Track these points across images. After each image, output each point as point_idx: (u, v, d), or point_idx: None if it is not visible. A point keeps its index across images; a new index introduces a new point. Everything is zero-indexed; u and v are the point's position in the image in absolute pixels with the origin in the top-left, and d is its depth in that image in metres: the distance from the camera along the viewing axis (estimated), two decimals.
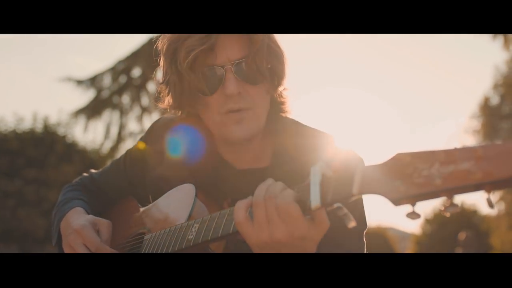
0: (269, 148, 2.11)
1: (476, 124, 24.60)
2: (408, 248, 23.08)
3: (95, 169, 2.61)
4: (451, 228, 24.42)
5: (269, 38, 1.96)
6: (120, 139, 25.14)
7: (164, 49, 1.98)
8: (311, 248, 1.58)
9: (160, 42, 2.03)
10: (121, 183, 2.39)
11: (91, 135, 25.97)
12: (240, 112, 1.94)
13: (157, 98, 2.14)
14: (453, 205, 1.31)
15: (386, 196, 1.36)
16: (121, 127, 25.24)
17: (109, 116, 25.05)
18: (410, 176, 1.34)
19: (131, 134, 25.37)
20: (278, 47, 1.99)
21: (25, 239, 15.04)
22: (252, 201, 1.59)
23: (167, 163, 2.18)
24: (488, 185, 1.26)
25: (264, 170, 2.06)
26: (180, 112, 2.10)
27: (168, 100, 2.09)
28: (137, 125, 25.56)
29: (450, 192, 1.30)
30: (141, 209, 2.25)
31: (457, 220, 25.19)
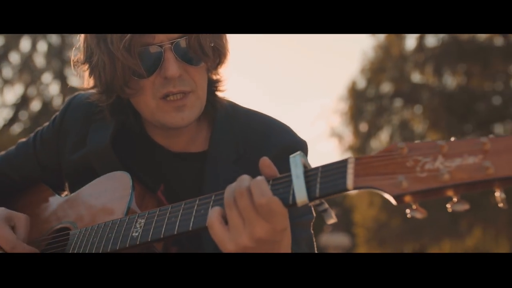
0: (205, 131, 1.95)
1: (344, 106, 25.66)
2: None
3: None
4: None
5: None
6: None
7: None
8: (288, 239, 1.46)
9: None
10: (30, 168, 2.09)
11: None
12: (182, 99, 1.77)
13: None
14: (461, 201, 1.21)
15: (386, 192, 1.24)
16: None
17: None
18: (412, 170, 1.23)
19: None
20: None
21: None
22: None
23: (89, 147, 1.93)
24: (499, 182, 1.18)
25: (202, 154, 1.91)
26: (106, 95, 1.84)
27: (90, 81, 1.85)
28: None
29: (458, 189, 1.20)
30: (60, 199, 1.96)
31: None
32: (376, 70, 24.80)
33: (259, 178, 1.38)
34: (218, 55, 1.84)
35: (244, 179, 1.39)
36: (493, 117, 22.32)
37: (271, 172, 1.42)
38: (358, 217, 25.68)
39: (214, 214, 1.41)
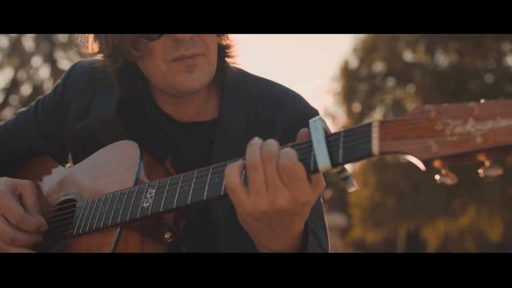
0: (214, 98, 1.89)
1: (337, 86, 25.59)
2: None
3: None
4: None
5: None
6: None
7: None
8: (306, 215, 1.38)
9: None
10: (31, 138, 2.03)
11: None
12: (192, 58, 1.68)
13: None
14: (494, 166, 1.15)
15: (415, 156, 1.17)
16: None
17: None
18: (441, 133, 1.16)
19: None
20: None
21: None
22: (245, 163, 1.32)
23: (94, 116, 1.87)
24: None
25: (211, 123, 1.84)
26: (112, 59, 1.76)
27: (94, 46, 1.77)
28: None
29: (490, 153, 1.14)
30: (64, 170, 1.90)
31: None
32: (368, 49, 24.70)
33: (278, 143, 1.32)
34: None
35: (272, 143, 1.31)
36: (485, 95, 22.31)
37: None
38: (353, 197, 25.75)
39: (235, 175, 1.32)
